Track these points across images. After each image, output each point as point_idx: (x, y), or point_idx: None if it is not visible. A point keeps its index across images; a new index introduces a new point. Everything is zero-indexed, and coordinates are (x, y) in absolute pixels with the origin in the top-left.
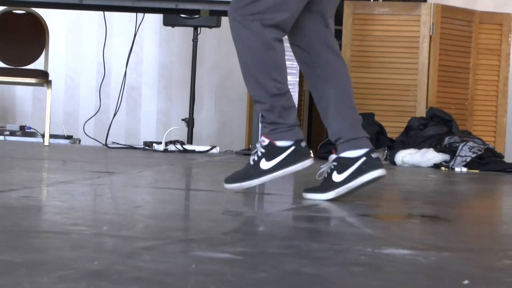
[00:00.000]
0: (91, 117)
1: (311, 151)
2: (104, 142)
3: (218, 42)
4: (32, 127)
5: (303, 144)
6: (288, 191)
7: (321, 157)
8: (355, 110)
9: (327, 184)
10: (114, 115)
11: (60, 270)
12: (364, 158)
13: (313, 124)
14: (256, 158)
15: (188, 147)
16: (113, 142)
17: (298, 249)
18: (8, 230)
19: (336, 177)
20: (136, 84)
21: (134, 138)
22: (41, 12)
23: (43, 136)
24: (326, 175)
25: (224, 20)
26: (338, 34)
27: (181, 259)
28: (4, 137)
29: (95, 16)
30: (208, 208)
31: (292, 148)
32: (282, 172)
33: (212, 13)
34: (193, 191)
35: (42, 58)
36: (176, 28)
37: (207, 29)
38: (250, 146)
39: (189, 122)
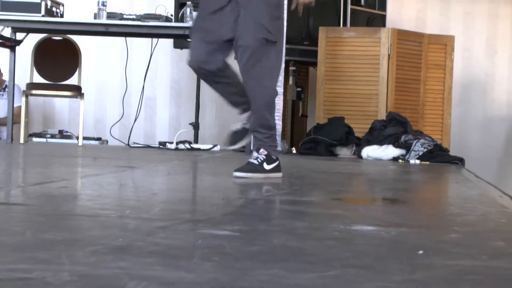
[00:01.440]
0: (116, 122)
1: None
2: (126, 143)
3: None
4: (68, 131)
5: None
6: (275, 180)
7: (302, 153)
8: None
9: (260, 169)
10: (135, 120)
11: (91, 246)
12: (278, 161)
13: (294, 127)
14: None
15: (195, 146)
16: (134, 143)
17: (284, 227)
18: (49, 214)
19: (267, 166)
20: (152, 95)
21: (151, 139)
22: (75, 38)
23: (77, 138)
24: (257, 162)
25: None
26: (314, 54)
27: (190, 236)
28: (46, 140)
29: (119, 41)
30: (210, 194)
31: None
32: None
33: None
34: (198, 181)
35: (76, 75)
36: (184, 50)
37: None
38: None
39: (195, 125)
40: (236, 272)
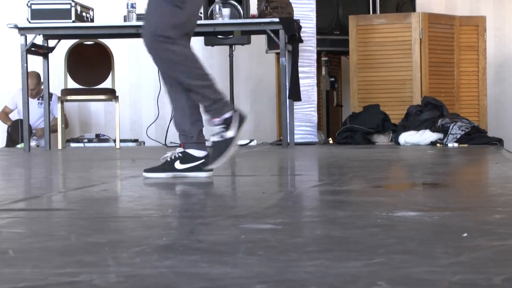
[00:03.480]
0: (152, 123)
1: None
2: (163, 143)
3: (249, 56)
4: (105, 134)
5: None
6: (314, 171)
7: (339, 142)
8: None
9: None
10: (170, 120)
11: (136, 246)
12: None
13: (330, 117)
14: (172, 158)
15: None
16: (171, 142)
17: (326, 217)
18: (92, 217)
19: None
20: None
21: None
22: (107, 42)
23: (114, 141)
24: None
25: (254, 37)
26: (345, 43)
27: (233, 231)
28: (84, 144)
29: None
30: (250, 189)
31: (202, 161)
32: (191, 174)
33: (244, 33)
34: (238, 177)
35: (109, 78)
36: (215, 47)
37: (240, 46)
38: (281, 137)
39: None
40: (282, 265)
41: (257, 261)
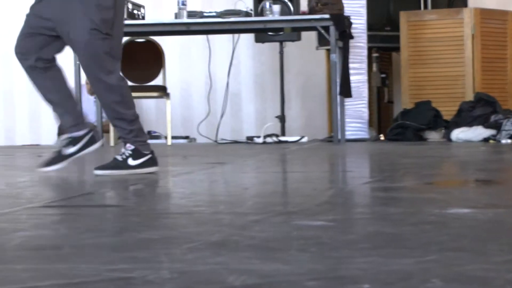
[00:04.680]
0: (203, 120)
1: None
2: (214, 139)
3: (300, 52)
4: (156, 131)
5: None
6: (365, 168)
7: (390, 139)
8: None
9: (122, 165)
10: (221, 116)
11: (188, 243)
12: (151, 155)
13: (381, 114)
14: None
15: (282, 138)
16: (222, 139)
17: (377, 214)
18: (145, 214)
19: (132, 162)
20: (237, 90)
21: (238, 134)
22: (157, 39)
23: (166, 137)
24: (121, 158)
25: (304, 34)
26: (396, 39)
27: (284, 228)
28: None
29: (200, 39)
30: (301, 186)
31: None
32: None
33: (294, 29)
34: (288, 173)
35: (160, 76)
36: (266, 44)
37: (290, 42)
38: (332, 134)
39: (281, 118)
40: (334, 261)
41: (309, 258)
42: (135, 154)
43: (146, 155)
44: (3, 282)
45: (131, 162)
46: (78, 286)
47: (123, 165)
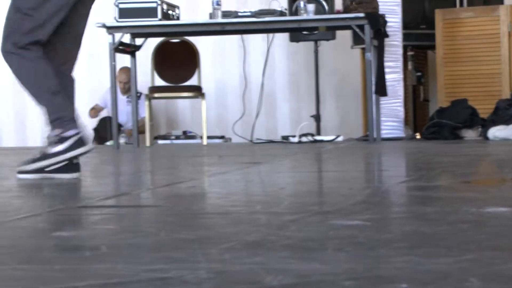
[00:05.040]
0: (238, 120)
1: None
2: (249, 139)
3: (334, 51)
4: (192, 131)
5: (82, 133)
6: (401, 167)
7: (426, 137)
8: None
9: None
10: (256, 116)
11: (225, 243)
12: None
13: (417, 112)
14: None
15: (317, 138)
16: (257, 138)
17: (414, 213)
18: (181, 214)
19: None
20: (271, 90)
21: (273, 134)
22: (192, 39)
23: (201, 137)
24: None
25: (339, 33)
26: (432, 37)
27: (321, 227)
28: (171, 141)
29: (235, 39)
30: (337, 185)
31: (78, 136)
32: (68, 155)
33: (328, 28)
34: (324, 173)
35: (195, 76)
36: (300, 43)
37: (325, 41)
38: (368, 133)
39: (317, 117)
40: (371, 261)
41: (345, 258)
42: (58, 140)
43: (72, 137)
44: (41, 282)
45: (50, 150)
46: (115, 286)
47: (44, 157)
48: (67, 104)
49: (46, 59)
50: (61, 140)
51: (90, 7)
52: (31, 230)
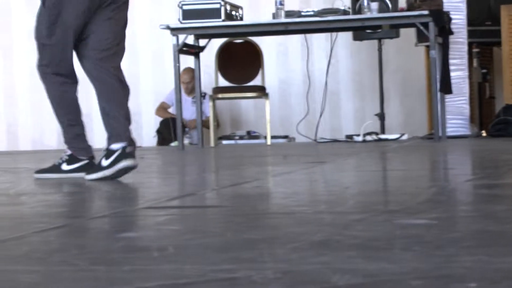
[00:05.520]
0: (302, 119)
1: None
2: (313, 138)
3: (398, 49)
4: (256, 131)
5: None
6: (467, 165)
7: (493, 135)
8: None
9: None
10: (320, 115)
11: (291, 243)
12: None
13: (482, 109)
14: (60, 161)
15: (382, 136)
16: (321, 138)
17: (482, 211)
18: (247, 214)
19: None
20: (335, 89)
21: (337, 133)
22: (256, 39)
23: (265, 137)
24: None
25: (403, 31)
26: (497, 33)
27: (387, 227)
28: (235, 141)
29: (298, 38)
30: (403, 184)
31: (86, 161)
32: (76, 175)
33: (392, 26)
34: (389, 171)
35: (259, 76)
36: (364, 41)
37: (388, 40)
38: (433, 131)
39: (381, 116)
40: (439, 260)
41: (413, 257)
42: (71, 160)
43: (82, 161)
44: (110, 283)
45: (65, 166)
46: (184, 286)
47: (56, 169)
48: (80, 136)
49: (72, 86)
50: (68, 162)
51: (115, 12)
52: (99, 232)
